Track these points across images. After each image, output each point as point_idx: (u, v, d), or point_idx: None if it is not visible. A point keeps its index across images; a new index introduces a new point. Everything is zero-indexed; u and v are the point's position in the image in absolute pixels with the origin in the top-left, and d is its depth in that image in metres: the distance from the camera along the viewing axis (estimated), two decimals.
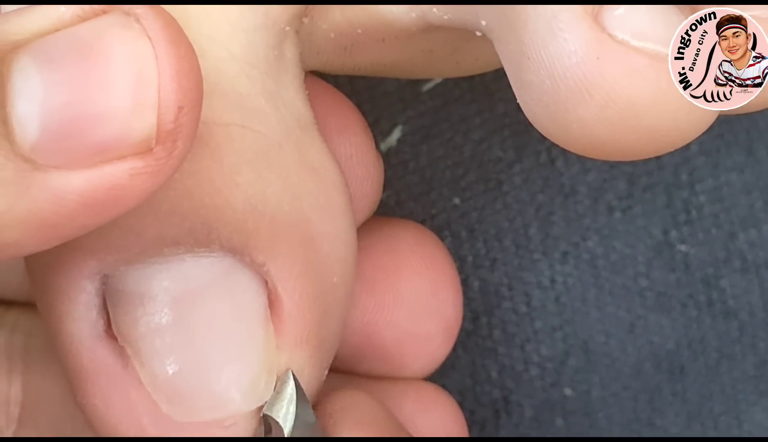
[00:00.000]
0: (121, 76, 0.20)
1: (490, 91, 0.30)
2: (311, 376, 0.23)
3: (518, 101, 0.22)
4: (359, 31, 0.24)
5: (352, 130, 0.27)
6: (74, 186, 0.20)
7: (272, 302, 0.23)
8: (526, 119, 0.22)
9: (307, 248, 0.23)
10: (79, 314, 0.22)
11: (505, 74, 0.22)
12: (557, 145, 0.22)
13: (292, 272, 0.23)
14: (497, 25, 0.22)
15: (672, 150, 0.21)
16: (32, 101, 0.20)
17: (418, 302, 0.28)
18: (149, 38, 0.20)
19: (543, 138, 0.22)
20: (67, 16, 0.20)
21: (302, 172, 0.23)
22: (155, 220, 0.22)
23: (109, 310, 0.22)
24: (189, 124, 0.20)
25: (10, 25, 0.20)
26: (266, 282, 0.23)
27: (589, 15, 0.20)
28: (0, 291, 0.27)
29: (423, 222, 0.30)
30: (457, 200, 0.30)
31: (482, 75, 0.29)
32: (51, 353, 0.26)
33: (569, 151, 0.22)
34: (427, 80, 0.30)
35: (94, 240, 0.21)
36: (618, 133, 0.20)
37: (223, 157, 0.22)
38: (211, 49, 0.22)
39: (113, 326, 0.22)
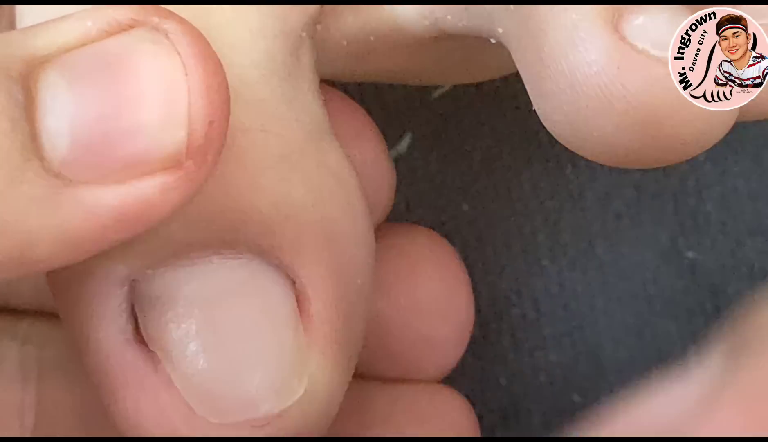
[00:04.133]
0: (152, 92, 0.20)
1: (499, 97, 0.30)
2: (339, 378, 0.23)
3: (536, 109, 0.22)
4: (371, 38, 0.24)
5: (366, 136, 0.27)
6: (105, 202, 0.20)
7: (300, 303, 0.22)
8: (536, 126, 0.22)
9: (332, 249, 0.23)
10: (108, 319, 0.22)
11: (515, 81, 0.22)
12: (566, 153, 0.22)
13: (319, 273, 0.22)
14: (515, 33, 0.22)
15: (690, 158, 0.21)
16: (61, 117, 0.19)
17: (432, 305, 0.28)
18: (179, 54, 0.20)
19: (552, 145, 0.22)
20: (93, 31, 0.20)
21: (323, 175, 0.23)
22: (183, 225, 0.22)
23: (138, 314, 0.22)
24: (218, 138, 0.20)
25: (35, 39, 0.20)
26: (294, 283, 0.22)
27: (609, 24, 0.20)
28: (12, 300, 0.27)
29: (432, 228, 0.30)
30: (466, 207, 0.30)
31: (492, 82, 0.29)
32: (65, 363, 0.25)
33: (578, 159, 0.22)
34: (436, 87, 0.30)
35: (122, 246, 0.21)
36: (638, 142, 0.20)
37: (247, 162, 0.22)
38: (233, 57, 0.22)
39: (142, 331, 0.22)
